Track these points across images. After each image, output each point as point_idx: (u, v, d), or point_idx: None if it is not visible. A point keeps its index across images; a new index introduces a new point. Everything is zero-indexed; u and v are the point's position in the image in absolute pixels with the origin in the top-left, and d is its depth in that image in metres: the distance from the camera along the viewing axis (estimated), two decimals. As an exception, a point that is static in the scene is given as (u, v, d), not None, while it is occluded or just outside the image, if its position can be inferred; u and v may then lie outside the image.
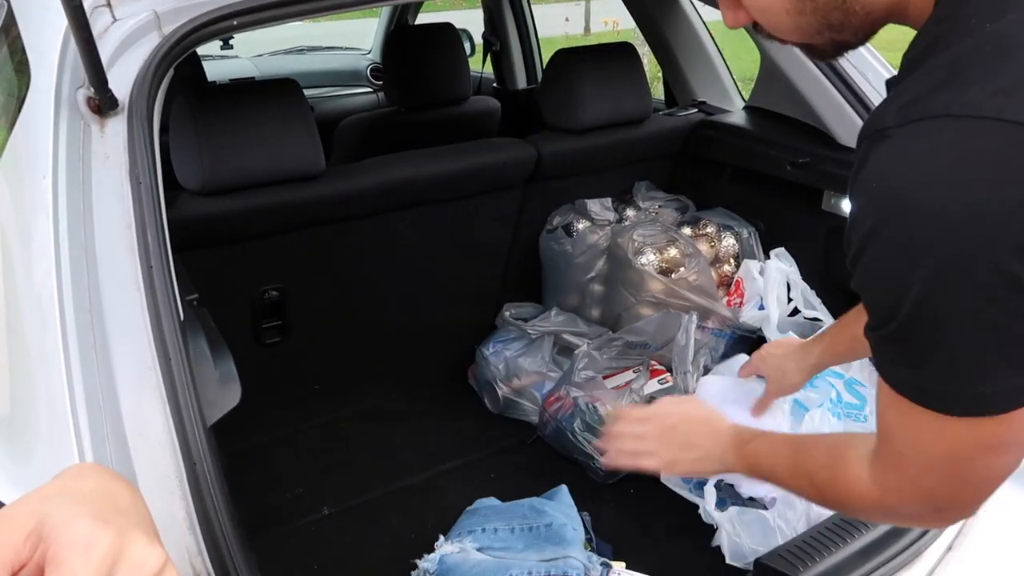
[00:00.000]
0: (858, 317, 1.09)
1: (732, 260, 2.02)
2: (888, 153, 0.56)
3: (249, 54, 3.75)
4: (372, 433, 1.88)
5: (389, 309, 1.93)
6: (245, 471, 0.99)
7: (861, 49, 1.62)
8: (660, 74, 2.48)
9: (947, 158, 0.52)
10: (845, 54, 0.72)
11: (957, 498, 0.67)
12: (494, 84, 3.37)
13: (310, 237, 1.66)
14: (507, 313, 2.04)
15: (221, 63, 3.49)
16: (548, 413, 1.82)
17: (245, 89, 1.57)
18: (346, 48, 4.10)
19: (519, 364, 1.94)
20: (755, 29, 0.74)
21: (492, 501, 1.55)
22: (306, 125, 1.51)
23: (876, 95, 1.62)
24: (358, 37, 4.28)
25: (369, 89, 3.69)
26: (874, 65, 1.63)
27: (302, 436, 1.86)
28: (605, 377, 1.81)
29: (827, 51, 0.71)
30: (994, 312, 0.54)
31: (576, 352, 1.84)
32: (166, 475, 0.88)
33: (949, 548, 1.36)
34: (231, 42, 3.55)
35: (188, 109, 1.40)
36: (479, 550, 1.39)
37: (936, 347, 0.57)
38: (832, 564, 1.22)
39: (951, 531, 1.36)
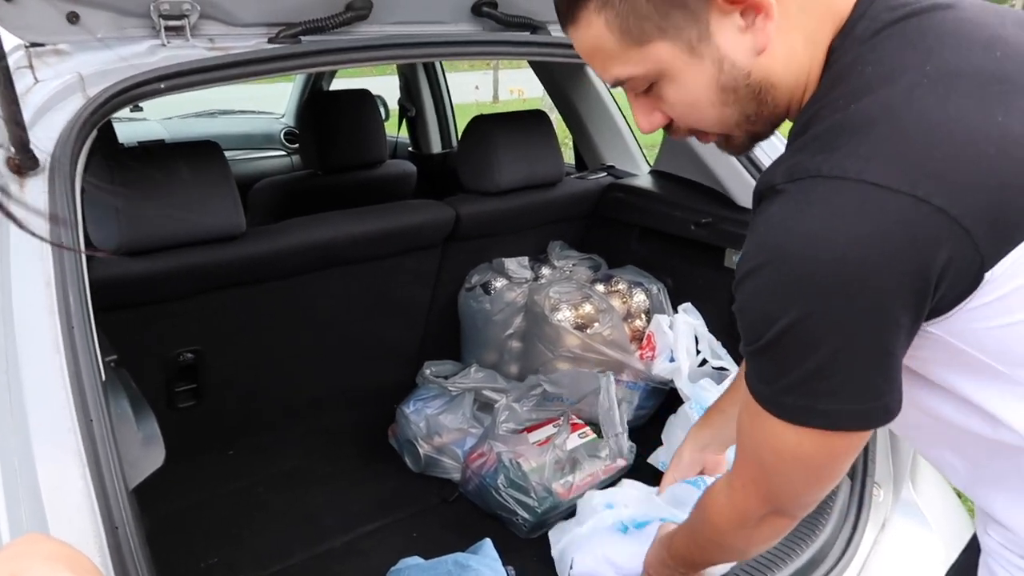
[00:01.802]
0: (727, 396, 1.25)
1: (643, 315, 2.11)
2: (775, 205, 0.65)
3: (158, 116, 3.71)
4: (291, 496, 1.84)
5: (308, 370, 1.92)
6: (157, 539, 0.95)
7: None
8: (569, 140, 2.61)
9: (819, 211, 0.61)
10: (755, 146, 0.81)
11: (792, 496, 0.80)
12: (409, 148, 3.44)
13: (228, 298, 1.65)
14: (427, 371, 2.06)
15: (129, 125, 3.44)
16: (471, 470, 1.83)
17: (166, 150, 1.56)
18: (259, 112, 4.11)
19: (440, 421, 1.95)
20: (668, 130, 0.80)
21: (416, 560, 1.54)
22: (227, 186, 1.51)
23: (768, 160, 1.76)
24: (269, 101, 4.30)
25: (283, 152, 3.70)
26: (770, 139, 1.78)
27: (218, 501, 1.80)
28: (527, 430, 1.84)
29: (743, 144, 0.79)
30: (841, 344, 0.63)
31: (496, 405, 1.87)
32: (85, 540, 0.85)
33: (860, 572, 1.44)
34: (140, 104, 3.50)
35: (107, 169, 1.39)
36: (405, 610, 1.38)
37: (790, 368, 0.66)
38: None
39: (861, 554, 1.44)
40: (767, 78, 0.70)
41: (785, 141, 0.73)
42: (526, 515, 1.70)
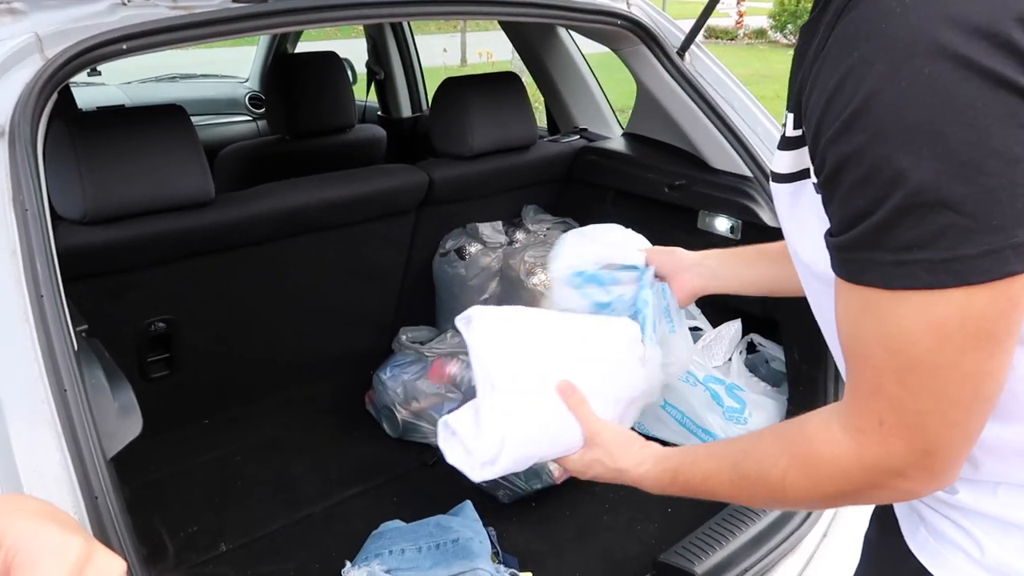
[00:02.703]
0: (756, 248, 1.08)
1: (618, 278, 2.12)
2: (877, 7, 0.54)
3: (118, 81, 3.60)
4: (270, 464, 1.84)
5: (283, 337, 1.90)
6: (135, 510, 0.94)
7: (728, 83, 1.78)
8: (540, 102, 2.59)
9: None
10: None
11: (944, 425, 0.60)
12: (379, 112, 3.39)
13: (199, 266, 1.62)
14: (403, 337, 2.05)
15: (87, 90, 3.33)
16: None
17: (129, 115, 1.52)
18: (222, 76, 4.01)
19: (417, 387, 1.95)
20: None
21: (397, 523, 1.55)
22: (195, 152, 1.48)
23: (742, 122, 1.76)
24: (232, 64, 4.19)
25: (248, 117, 3.62)
26: (739, 96, 1.78)
27: (197, 471, 1.79)
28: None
29: None
30: (1021, 143, 0.51)
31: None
32: (64, 511, 0.84)
33: (824, 535, 1.48)
34: (99, 68, 3.39)
35: (68, 136, 1.35)
36: (387, 572, 1.39)
37: (963, 200, 0.52)
38: (725, 556, 1.31)
39: (826, 518, 1.48)
40: None
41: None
42: (510, 488, 1.70)
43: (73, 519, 0.46)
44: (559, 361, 0.93)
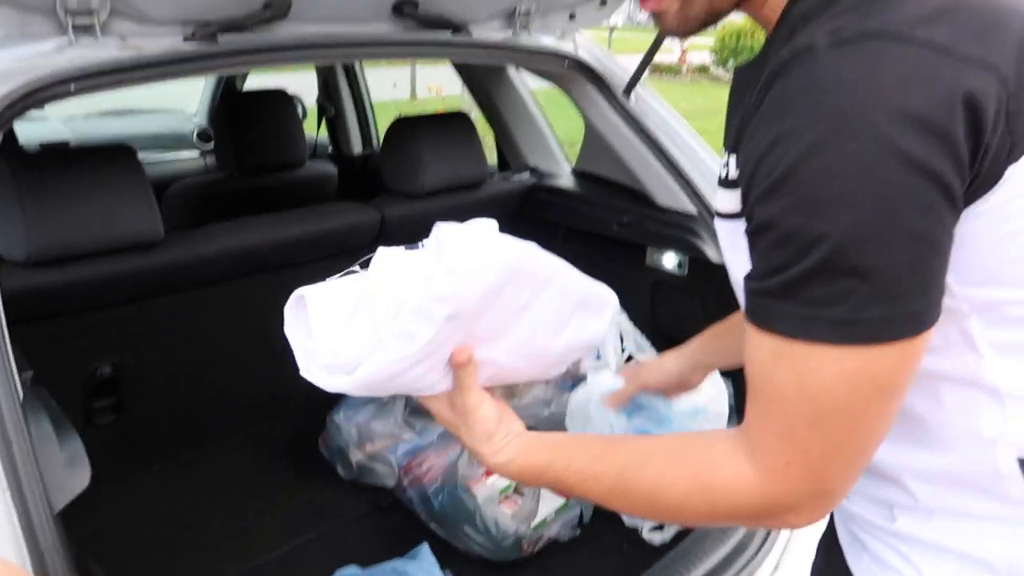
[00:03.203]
0: (722, 325, 1.11)
1: (570, 313, 2.14)
2: (826, 69, 0.58)
3: (61, 116, 3.52)
4: (222, 511, 1.79)
5: (234, 379, 1.87)
6: (82, 564, 0.90)
7: (672, 122, 1.84)
8: (490, 138, 2.62)
9: (890, 73, 0.56)
10: (697, 33, 0.75)
11: (843, 467, 0.64)
12: (330, 149, 3.38)
13: (147, 308, 1.59)
14: (357, 376, 2.03)
15: (29, 126, 3.25)
16: (411, 476, 1.81)
17: (76, 154, 1.50)
18: (169, 110, 3.96)
19: (372, 428, 1.93)
20: None
21: (353, 569, 1.52)
22: (143, 191, 1.46)
23: (686, 161, 1.81)
24: (180, 98, 4.14)
25: (195, 153, 3.57)
26: (683, 135, 1.84)
27: (144, 520, 1.73)
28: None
29: (696, 18, 0.73)
30: (929, 225, 0.57)
31: None
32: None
33: (776, 567, 1.50)
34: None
35: (11, 176, 1.32)
36: (344, 619, 1.36)
37: (869, 269, 0.57)
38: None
39: (778, 549, 1.50)
40: None
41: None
42: (472, 544, 1.67)
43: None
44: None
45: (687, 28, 0.74)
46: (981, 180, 0.59)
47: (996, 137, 0.58)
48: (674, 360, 1.15)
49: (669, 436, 0.79)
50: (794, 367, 0.62)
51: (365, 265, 0.81)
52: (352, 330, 0.73)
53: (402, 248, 0.80)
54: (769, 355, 0.63)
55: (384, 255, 0.78)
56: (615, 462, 0.74)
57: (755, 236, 0.62)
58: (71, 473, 0.91)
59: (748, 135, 0.63)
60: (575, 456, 0.76)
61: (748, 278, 0.64)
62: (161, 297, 1.58)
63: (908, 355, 0.60)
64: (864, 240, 0.56)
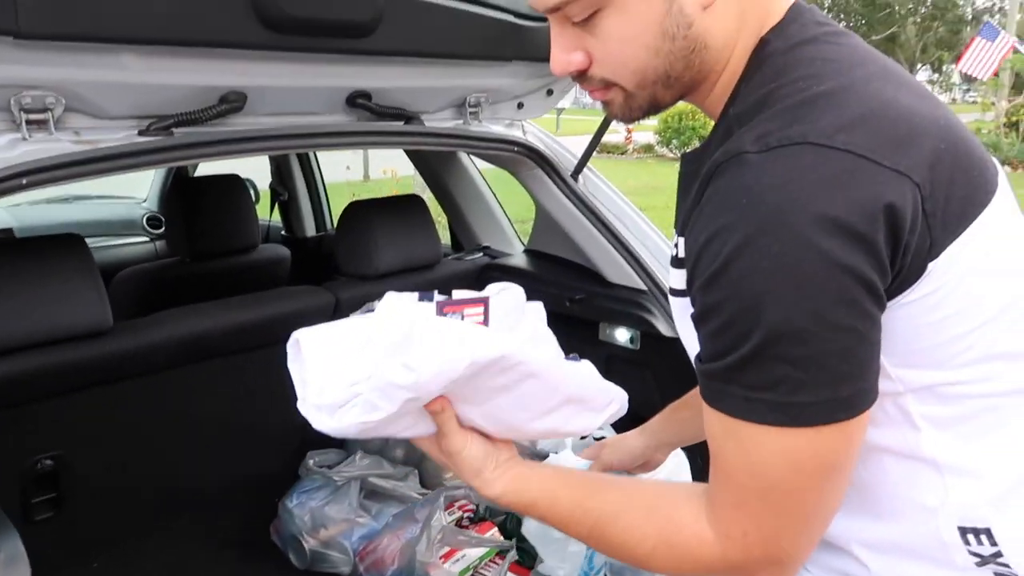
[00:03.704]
0: (681, 401, 1.14)
1: (526, 391, 2.15)
2: (754, 173, 0.63)
3: (6, 203, 3.47)
4: (166, 607, 1.71)
5: (182, 467, 1.82)
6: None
7: (619, 202, 1.90)
8: (442, 218, 2.67)
9: (812, 178, 0.61)
10: (642, 119, 0.80)
11: (796, 537, 0.68)
12: (282, 232, 3.39)
13: (93, 397, 1.55)
14: (310, 461, 1.99)
15: (-29, 214, 3.20)
16: (367, 562, 1.77)
17: (22, 244, 1.48)
18: (118, 196, 3.93)
19: (326, 513, 1.89)
20: (579, 78, 0.76)
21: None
22: (91, 280, 1.45)
23: (634, 239, 1.87)
24: (129, 184, 4.12)
25: (145, 238, 3.55)
26: (630, 214, 1.90)
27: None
28: (447, 555, 1.76)
29: (640, 108, 0.76)
30: (853, 317, 0.61)
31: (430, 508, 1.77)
32: None
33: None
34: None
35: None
36: None
37: (798, 358, 0.61)
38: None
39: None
40: (703, 37, 0.71)
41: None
42: None
43: None
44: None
45: (631, 117, 0.79)
46: (904, 276, 0.64)
47: (914, 237, 0.63)
48: (637, 439, 1.18)
49: (644, 488, 0.84)
50: (742, 445, 0.66)
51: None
52: (336, 376, 0.78)
53: (414, 296, 0.84)
54: (720, 431, 0.68)
55: (388, 303, 0.83)
56: (592, 509, 0.78)
57: (698, 322, 0.67)
58: (10, 573, 0.87)
59: (691, 226, 0.68)
60: (559, 497, 0.80)
61: (698, 359, 0.69)
62: (107, 386, 1.55)
63: (846, 436, 0.64)
64: (792, 332, 0.60)
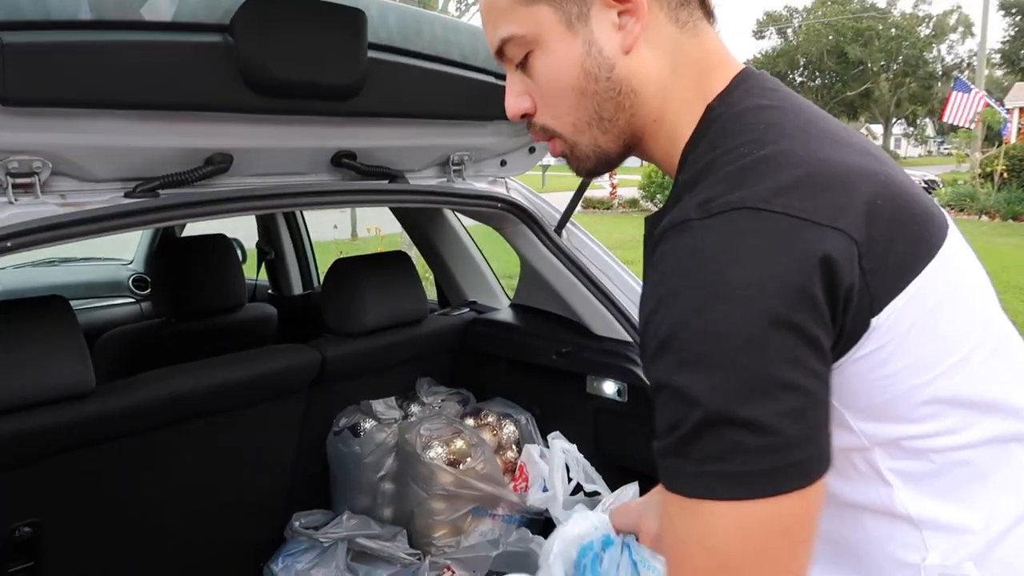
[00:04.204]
0: None
1: (514, 446, 2.13)
2: (696, 239, 0.64)
3: (-11, 267, 3.46)
4: None
5: (165, 532, 1.78)
6: None
7: (603, 255, 1.93)
8: (429, 275, 2.68)
9: (752, 242, 0.62)
10: (601, 176, 0.83)
11: None
12: (269, 291, 3.39)
13: (73, 461, 1.52)
14: (296, 523, 1.96)
15: (-45, 278, 3.19)
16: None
17: (4, 307, 1.47)
18: (104, 259, 3.93)
19: (312, 577, 1.84)
20: (529, 127, 0.82)
21: None
22: (73, 340, 1.44)
23: (618, 291, 1.89)
24: (115, 246, 4.13)
25: (131, 299, 3.54)
26: (613, 267, 1.92)
27: None
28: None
29: (587, 158, 0.80)
30: (799, 376, 0.60)
31: None
32: None
33: None
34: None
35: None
36: None
37: (748, 423, 0.59)
38: None
39: None
40: (629, 80, 0.74)
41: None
42: None
43: None
44: None
45: (583, 167, 0.82)
46: (848, 332, 0.65)
47: (854, 292, 0.63)
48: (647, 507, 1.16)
49: None
50: (697, 525, 0.63)
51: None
52: None
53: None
54: (676, 513, 0.65)
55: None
56: None
57: (654, 396, 0.66)
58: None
59: (642, 292, 0.70)
60: None
61: (655, 439, 0.66)
62: (88, 449, 1.52)
63: (805, 503, 0.62)
64: (740, 394, 0.59)
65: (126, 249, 3.88)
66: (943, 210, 0.76)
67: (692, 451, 0.61)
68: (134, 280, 3.59)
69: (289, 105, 1.39)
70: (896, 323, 0.66)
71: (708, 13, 0.77)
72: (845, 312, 0.63)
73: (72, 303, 1.50)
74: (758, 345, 0.60)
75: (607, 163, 0.81)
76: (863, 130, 47.26)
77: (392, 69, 1.48)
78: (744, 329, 0.60)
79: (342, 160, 1.58)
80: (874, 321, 0.65)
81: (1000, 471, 0.73)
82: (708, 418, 0.60)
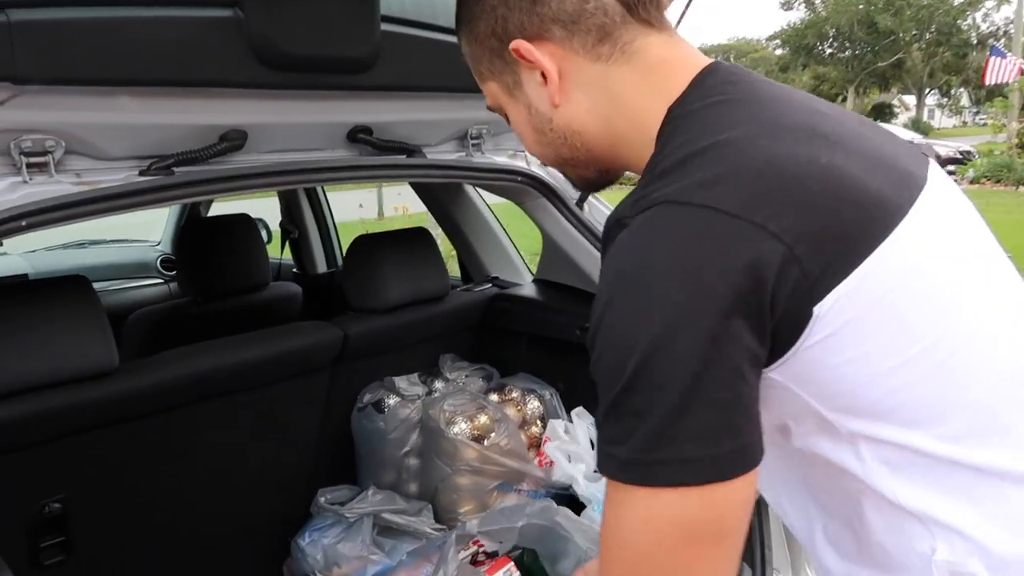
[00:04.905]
0: None
1: (538, 421, 2.12)
2: (624, 237, 0.67)
3: (21, 250, 3.52)
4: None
5: (193, 509, 1.80)
6: None
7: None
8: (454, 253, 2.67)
9: (667, 234, 0.64)
10: (599, 190, 0.90)
11: None
12: (294, 269, 3.41)
13: (99, 439, 1.54)
14: (322, 499, 1.97)
15: (-14, 262, 3.25)
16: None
17: (26, 288, 1.49)
18: (132, 240, 3.98)
19: (338, 551, 1.86)
20: None
21: None
22: (96, 320, 1.45)
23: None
24: (144, 228, 4.18)
25: (159, 280, 3.58)
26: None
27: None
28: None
29: (578, 183, 0.89)
30: (709, 369, 0.60)
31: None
32: None
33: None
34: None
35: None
36: None
37: (651, 413, 0.60)
38: None
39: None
40: (569, 126, 0.82)
41: None
42: None
43: None
44: None
45: (579, 188, 0.90)
46: (788, 323, 0.64)
47: (785, 282, 0.62)
48: None
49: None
50: (611, 508, 0.65)
51: None
52: None
53: None
54: (605, 499, 0.66)
55: None
56: None
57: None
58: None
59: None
60: None
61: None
62: (114, 427, 1.54)
63: (711, 502, 0.61)
64: (642, 382, 0.61)
65: (154, 230, 3.93)
66: (928, 194, 0.73)
67: (604, 431, 0.64)
68: (162, 261, 3.63)
69: (303, 80, 1.37)
70: (843, 310, 0.64)
71: (649, 24, 0.78)
72: (774, 304, 0.63)
73: (101, 284, 1.51)
74: (668, 334, 0.61)
75: (592, 185, 0.89)
76: (895, 101, 46.12)
77: (407, 42, 1.45)
78: (651, 320, 0.61)
79: (358, 135, 1.56)
80: (816, 309, 0.64)
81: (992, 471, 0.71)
82: (613, 403, 0.62)
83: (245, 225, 2.29)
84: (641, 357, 0.60)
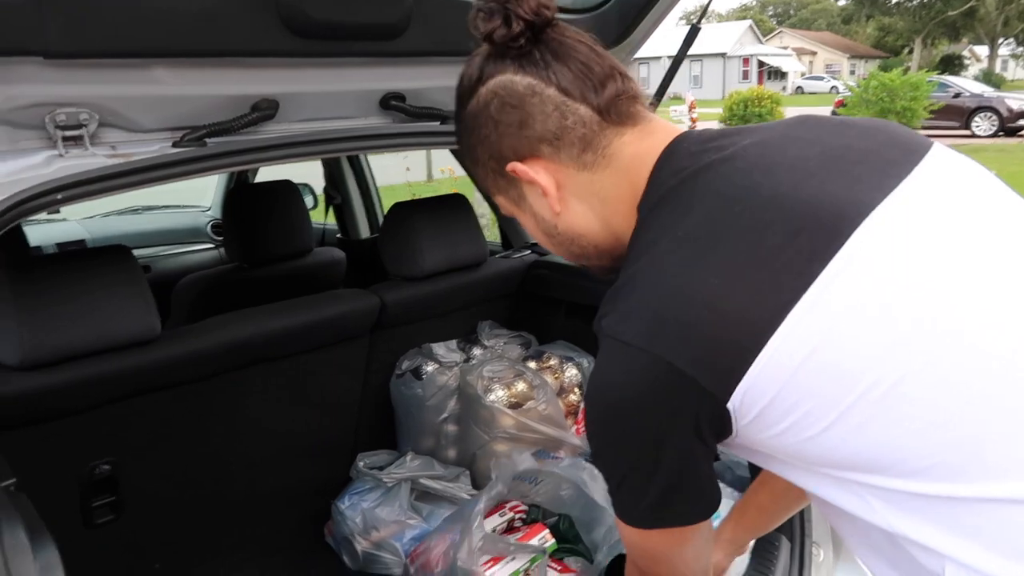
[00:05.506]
0: (758, 487, 1.22)
1: (576, 389, 2.11)
2: (595, 367, 0.79)
3: (79, 216, 3.63)
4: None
5: (236, 473, 1.85)
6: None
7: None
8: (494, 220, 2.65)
9: (602, 366, 0.77)
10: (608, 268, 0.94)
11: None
12: (338, 235, 3.44)
13: (145, 405, 1.59)
14: (361, 463, 2.01)
15: (47, 227, 3.36)
16: (418, 564, 1.77)
17: (70, 258, 1.53)
18: (184, 206, 4.07)
19: (377, 515, 1.89)
20: None
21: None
22: (138, 289, 1.48)
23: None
24: (197, 193, 4.27)
25: (211, 245, 3.65)
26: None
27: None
28: (491, 561, 1.70)
29: (597, 273, 0.96)
30: (650, 465, 0.76)
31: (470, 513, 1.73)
32: None
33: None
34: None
35: (7, 281, 1.35)
36: None
37: (623, 487, 0.81)
38: None
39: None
40: (572, 229, 0.89)
41: None
42: None
43: None
44: None
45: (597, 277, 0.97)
46: (716, 416, 0.73)
47: (693, 396, 0.71)
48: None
49: None
50: (621, 527, 0.86)
51: None
52: None
53: None
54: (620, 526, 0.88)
55: None
56: None
57: None
58: (44, 583, 0.89)
59: None
60: None
61: None
62: (158, 393, 1.58)
63: (666, 540, 0.84)
64: (602, 457, 0.82)
65: (205, 195, 4.01)
66: (914, 181, 0.74)
67: (614, 495, 0.84)
68: (213, 226, 3.70)
69: (333, 47, 1.36)
70: (754, 399, 0.71)
71: (621, 123, 0.84)
72: (700, 414, 0.72)
73: (154, 249, 1.54)
74: (639, 468, 0.78)
75: (610, 273, 0.92)
76: (966, 52, 43.74)
77: (438, 6, 1.43)
78: (628, 460, 0.79)
79: (391, 102, 1.55)
80: (730, 405, 0.71)
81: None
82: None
83: (288, 191, 2.30)
84: (621, 475, 0.80)
